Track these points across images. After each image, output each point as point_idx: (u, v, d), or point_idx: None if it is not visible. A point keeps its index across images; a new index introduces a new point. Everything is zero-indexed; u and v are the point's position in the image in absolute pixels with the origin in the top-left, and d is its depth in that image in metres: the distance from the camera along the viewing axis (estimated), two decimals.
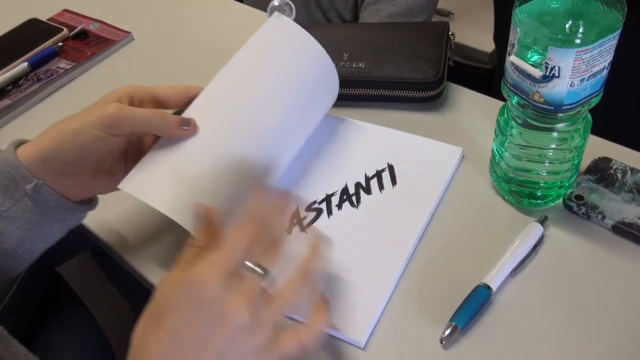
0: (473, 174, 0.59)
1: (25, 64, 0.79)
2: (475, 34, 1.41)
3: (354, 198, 0.57)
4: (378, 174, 0.58)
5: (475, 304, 0.47)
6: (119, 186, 0.49)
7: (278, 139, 0.54)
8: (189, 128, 0.49)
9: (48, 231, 0.48)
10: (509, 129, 0.52)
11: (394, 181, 0.58)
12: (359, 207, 0.56)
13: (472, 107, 0.66)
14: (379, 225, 0.54)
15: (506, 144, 0.52)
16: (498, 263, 0.50)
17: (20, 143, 0.47)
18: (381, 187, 0.57)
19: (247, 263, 0.39)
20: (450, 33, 0.69)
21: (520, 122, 0.50)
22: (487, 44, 1.40)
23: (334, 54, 0.67)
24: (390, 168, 0.59)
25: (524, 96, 0.47)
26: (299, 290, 0.41)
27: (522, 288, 0.49)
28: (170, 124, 0.48)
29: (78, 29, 0.85)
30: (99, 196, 0.54)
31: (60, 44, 0.83)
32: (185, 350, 0.36)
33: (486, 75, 1.41)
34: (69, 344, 0.67)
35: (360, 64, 0.66)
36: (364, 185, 0.58)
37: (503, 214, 0.55)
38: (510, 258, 0.50)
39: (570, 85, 0.44)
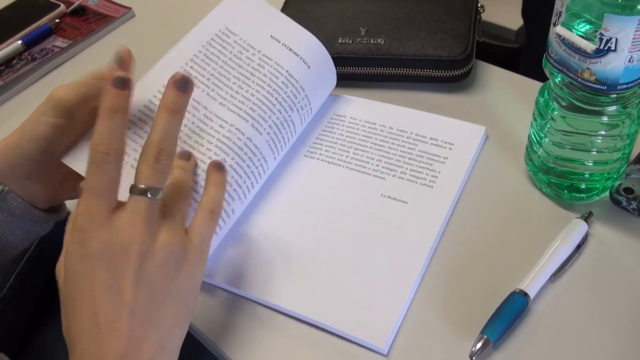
0: (505, 163, 0.52)
1: (19, 42, 0.74)
2: (500, 9, 1.32)
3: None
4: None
5: (510, 314, 0.41)
6: (62, 159, 0.44)
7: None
8: (123, 61, 0.45)
9: (12, 240, 0.45)
10: (550, 112, 0.45)
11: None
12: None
13: (505, 88, 0.59)
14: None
15: (546, 129, 0.46)
16: (536, 266, 0.44)
17: None
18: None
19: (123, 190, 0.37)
20: (479, 5, 0.63)
21: (564, 104, 0.44)
22: (513, 21, 1.32)
23: (351, 30, 0.61)
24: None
25: (570, 74, 0.41)
26: (211, 222, 0.40)
27: (563, 295, 0.43)
28: (108, 73, 0.43)
29: (76, 4, 0.80)
30: None
31: (57, 20, 0.77)
32: (105, 310, 0.34)
33: (511, 55, 1.33)
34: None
35: (379, 40, 0.60)
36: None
37: (540, 209, 0.48)
38: (549, 260, 0.44)
39: (629, 61, 0.37)
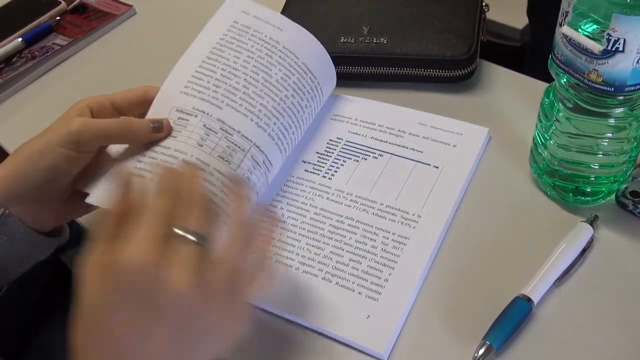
0: (509, 165, 0.51)
1: (19, 39, 0.73)
2: (505, 7, 1.31)
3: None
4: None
5: (513, 320, 0.41)
6: (87, 200, 0.44)
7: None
8: (162, 131, 0.44)
9: (10, 264, 0.44)
10: (555, 113, 0.44)
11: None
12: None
13: (509, 88, 0.58)
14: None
15: (551, 131, 0.45)
16: (540, 271, 0.43)
17: None
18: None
19: (177, 230, 0.33)
20: (484, 4, 0.62)
21: (570, 105, 0.43)
22: (518, 19, 1.31)
23: (353, 29, 0.60)
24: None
25: (577, 75, 0.40)
26: (243, 246, 0.35)
27: (568, 300, 0.42)
28: (140, 130, 0.44)
29: (77, 2, 0.79)
30: None
31: (58, 18, 0.76)
32: (131, 355, 0.31)
33: (515, 54, 1.32)
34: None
35: (381, 39, 0.59)
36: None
37: (545, 212, 0.48)
38: (554, 265, 0.43)
39: (637, 62, 0.37)
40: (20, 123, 0.66)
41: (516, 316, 0.41)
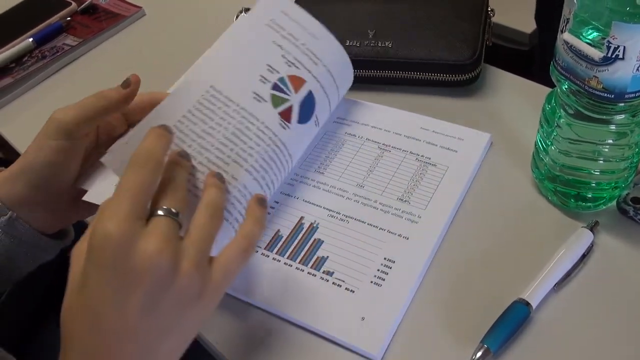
0: (511, 170, 0.52)
1: (30, 40, 0.74)
2: (513, 11, 1.31)
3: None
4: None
5: (512, 324, 0.41)
6: (85, 198, 0.44)
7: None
8: (130, 86, 0.44)
9: (19, 265, 0.45)
10: (556, 119, 0.45)
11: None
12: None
13: (513, 94, 0.59)
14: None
15: (553, 136, 0.45)
16: (539, 275, 0.43)
17: None
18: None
19: (150, 207, 0.35)
20: (489, 9, 0.62)
21: (571, 112, 0.43)
22: (525, 23, 1.30)
23: (358, 32, 0.61)
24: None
25: (577, 81, 0.40)
26: (211, 221, 0.36)
27: (567, 305, 0.42)
28: (112, 93, 0.44)
29: (87, 2, 0.80)
30: None
31: (68, 18, 0.78)
32: (105, 322, 0.32)
33: (521, 59, 1.31)
34: None
35: (386, 43, 0.59)
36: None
37: (546, 217, 0.48)
38: (553, 269, 0.43)
39: (637, 69, 0.37)
40: (30, 122, 0.66)
41: (514, 320, 0.41)
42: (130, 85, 0.44)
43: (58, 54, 0.73)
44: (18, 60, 0.73)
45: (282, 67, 0.47)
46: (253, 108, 0.44)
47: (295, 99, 0.47)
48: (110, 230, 0.32)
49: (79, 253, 0.34)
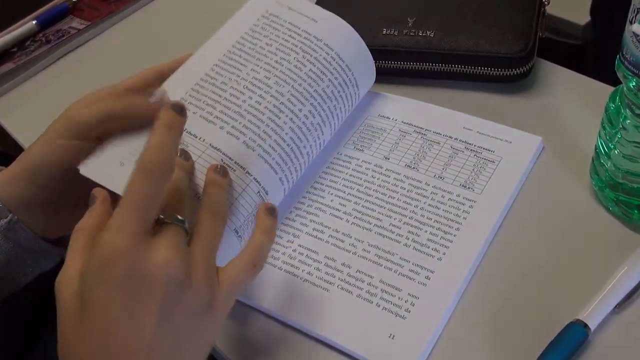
0: (566, 176, 0.52)
1: (34, 22, 0.76)
2: (565, 1, 1.31)
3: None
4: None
5: (568, 347, 0.41)
6: (80, 171, 0.44)
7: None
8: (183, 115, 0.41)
9: (16, 273, 0.46)
10: (621, 120, 0.45)
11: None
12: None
13: (569, 91, 0.59)
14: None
15: (616, 139, 0.45)
16: (598, 294, 0.43)
17: None
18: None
19: (159, 217, 0.36)
20: None
21: (638, 112, 0.43)
22: (579, 14, 1.30)
23: (397, 19, 0.61)
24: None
25: None
26: (214, 224, 0.38)
27: (629, 328, 0.43)
28: (143, 107, 0.44)
29: None
30: None
31: (75, 0, 0.80)
32: (116, 341, 0.33)
33: (573, 53, 1.31)
34: None
35: (428, 32, 0.60)
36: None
37: (606, 230, 0.48)
38: (614, 288, 0.43)
39: None
40: (33, 112, 0.69)
41: (571, 343, 0.41)
42: (183, 112, 0.40)
43: (63, 38, 0.75)
44: (20, 44, 0.75)
45: None
46: None
47: None
48: (120, 244, 0.33)
49: (66, 281, 0.35)
